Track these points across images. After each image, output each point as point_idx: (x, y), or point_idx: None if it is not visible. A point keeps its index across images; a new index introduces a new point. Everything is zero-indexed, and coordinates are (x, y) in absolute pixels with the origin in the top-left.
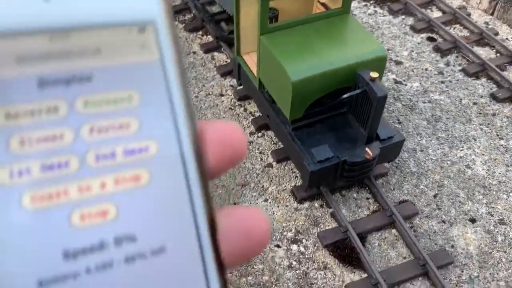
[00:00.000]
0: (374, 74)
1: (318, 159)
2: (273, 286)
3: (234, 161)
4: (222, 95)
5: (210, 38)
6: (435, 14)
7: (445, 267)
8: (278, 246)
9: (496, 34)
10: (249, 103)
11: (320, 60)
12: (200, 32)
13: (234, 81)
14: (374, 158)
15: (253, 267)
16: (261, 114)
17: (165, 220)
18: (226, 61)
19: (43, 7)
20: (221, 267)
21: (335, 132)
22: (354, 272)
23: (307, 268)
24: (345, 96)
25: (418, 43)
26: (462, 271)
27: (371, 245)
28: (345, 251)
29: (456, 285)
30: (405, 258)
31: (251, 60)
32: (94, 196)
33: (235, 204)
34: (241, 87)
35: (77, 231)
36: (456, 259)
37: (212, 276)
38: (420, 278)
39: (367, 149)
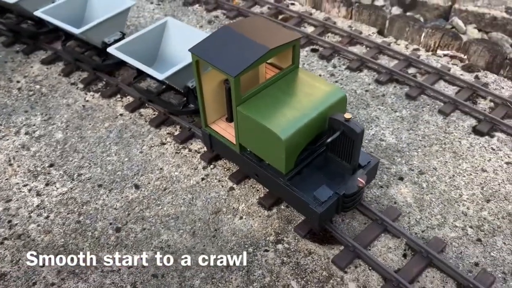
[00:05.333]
0: (348, 115)
1: (323, 200)
2: (277, 283)
3: None
4: (163, 143)
5: (130, 99)
6: (308, 29)
7: (397, 220)
8: (266, 250)
9: (360, 33)
10: (191, 143)
11: (297, 114)
12: (118, 96)
13: (169, 129)
14: (365, 185)
15: (253, 274)
16: (205, 150)
17: None
18: (154, 114)
19: None
20: None
21: (323, 172)
22: (333, 248)
23: (297, 258)
24: (329, 140)
25: (306, 56)
26: (409, 218)
27: (336, 223)
28: (320, 235)
29: (409, 230)
30: (365, 223)
31: (220, 128)
32: None
33: (216, 231)
34: (213, 152)
35: None
36: (402, 210)
37: None
38: (382, 234)
39: (359, 178)
